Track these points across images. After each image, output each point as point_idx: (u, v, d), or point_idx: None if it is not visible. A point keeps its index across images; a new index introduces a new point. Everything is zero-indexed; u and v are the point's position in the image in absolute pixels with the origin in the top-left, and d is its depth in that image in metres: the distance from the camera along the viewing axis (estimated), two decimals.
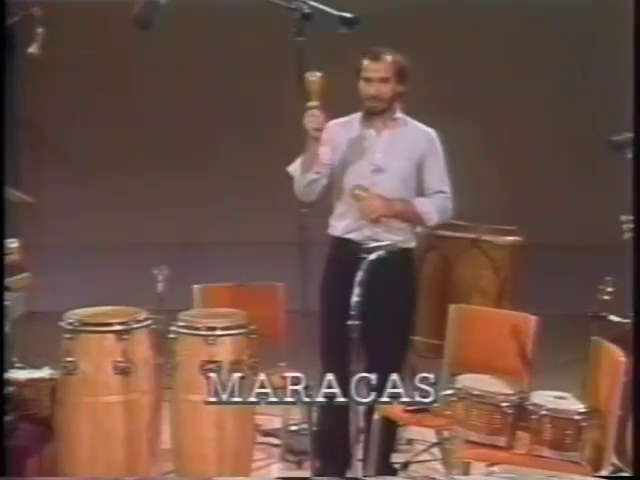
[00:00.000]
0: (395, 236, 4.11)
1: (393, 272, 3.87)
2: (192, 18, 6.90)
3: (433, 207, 4.23)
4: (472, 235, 4.62)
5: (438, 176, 4.26)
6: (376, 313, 3.93)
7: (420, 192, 4.27)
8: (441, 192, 4.25)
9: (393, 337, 4.16)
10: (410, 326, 4.29)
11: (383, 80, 4.16)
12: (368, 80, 4.17)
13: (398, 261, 3.86)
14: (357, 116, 4.31)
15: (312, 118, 4.01)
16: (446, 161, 4.31)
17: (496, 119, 7.61)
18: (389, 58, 4.17)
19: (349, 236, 4.21)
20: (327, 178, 4.24)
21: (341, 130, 4.27)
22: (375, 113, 4.23)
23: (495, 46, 7.53)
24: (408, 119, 4.29)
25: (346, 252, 4.11)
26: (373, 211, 4.14)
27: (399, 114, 4.27)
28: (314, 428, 4.43)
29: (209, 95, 7.71)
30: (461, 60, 7.56)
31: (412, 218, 4.24)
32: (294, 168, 4.23)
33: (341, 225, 4.26)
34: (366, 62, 4.18)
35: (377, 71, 4.16)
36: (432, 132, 4.29)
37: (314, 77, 3.93)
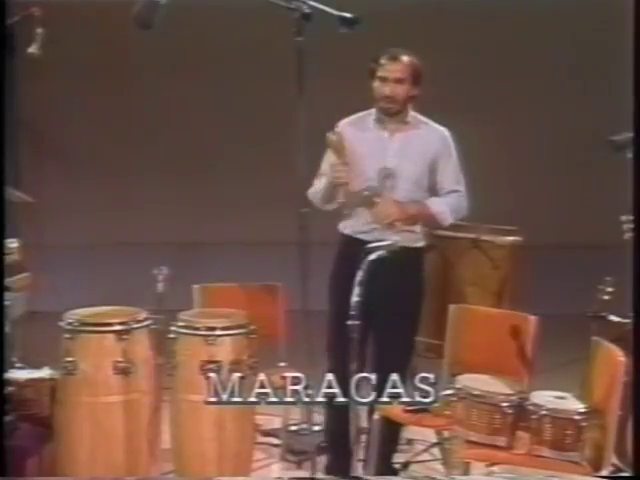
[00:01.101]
0: (405, 236, 4.11)
1: (399, 271, 3.87)
2: (192, 18, 6.90)
3: (447, 207, 4.23)
4: (472, 235, 4.62)
5: (452, 175, 4.26)
6: (383, 313, 3.94)
7: (434, 192, 4.27)
8: (455, 191, 4.26)
9: (400, 337, 4.16)
10: (417, 325, 4.30)
11: (399, 81, 4.16)
12: (384, 80, 4.16)
13: (404, 260, 3.85)
14: (369, 115, 4.30)
15: (339, 174, 4.10)
16: None
17: (496, 119, 7.60)
18: (406, 59, 4.18)
19: (359, 236, 4.21)
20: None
21: (353, 130, 4.28)
22: (388, 114, 4.23)
23: (495, 47, 7.53)
24: (421, 119, 4.28)
25: (355, 251, 4.12)
26: (387, 216, 4.14)
27: (411, 115, 4.27)
28: (320, 427, 4.45)
29: (209, 95, 7.70)
30: (460, 60, 7.54)
31: (426, 220, 4.25)
32: (313, 195, 4.26)
33: (352, 224, 4.27)
34: (383, 62, 4.17)
35: (394, 71, 4.16)
36: (445, 131, 4.29)
37: (333, 135, 4.11)
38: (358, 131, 4.28)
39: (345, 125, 4.29)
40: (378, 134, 4.25)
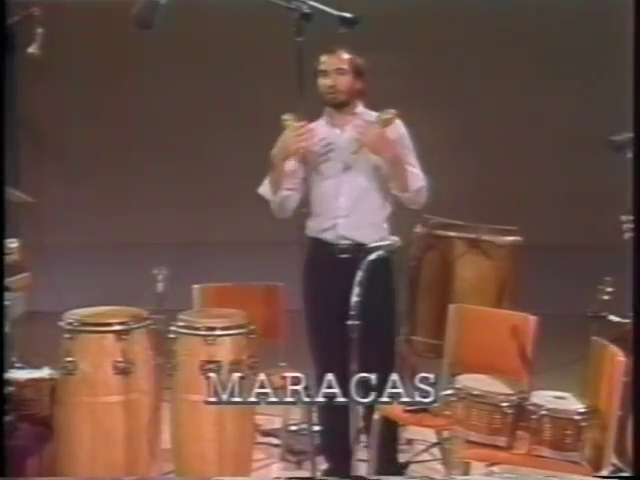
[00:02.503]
0: (371, 235, 4.07)
1: (371, 272, 3.81)
2: (192, 18, 6.90)
3: (420, 176, 4.20)
4: (472, 235, 4.61)
5: (409, 162, 4.23)
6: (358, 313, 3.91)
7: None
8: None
9: (376, 338, 4.12)
10: (394, 325, 4.30)
11: (339, 71, 4.21)
12: (324, 73, 4.22)
13: (378, 261, 3.81)
14: (321, 119, 4.35)
15: (302, 136, 4.09)
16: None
17: (497, 119, 7.61)
18: (344, 54, 4.24)
19: (322, 236, 4.24)
20: (300, 191, 4.29)
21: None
22: (335, 107, 4.26)
23: (496, 46, 7.54)
24: (369, 113, 4.28)
25: (321, 252, 4.18)
26: (370, 142, 4.10)
27: (360, 109, 4.29)
28: (317, 427, 4.45)
29: (209, 95, 7.71)
30: (461, 60, 7.56)
31: (398, 170, 4.17)
32: (264, 190, 4.31)
33: (315, 225, 4.29)
34: (322, 57, 4.24)
35: (332, 63, 4.22)
36: (396, 120, 4.26)
37: (288, 118, 4.10)
38: (314, 134, 4.28)
39: None
40: (330, 132, 4.29)
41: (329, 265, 4.00)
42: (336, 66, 4.21)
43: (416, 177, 4.20)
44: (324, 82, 4.22)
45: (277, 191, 4.26)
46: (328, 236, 4.22)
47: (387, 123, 4.13)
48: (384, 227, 4.27)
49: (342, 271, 3.51)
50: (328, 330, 3.47)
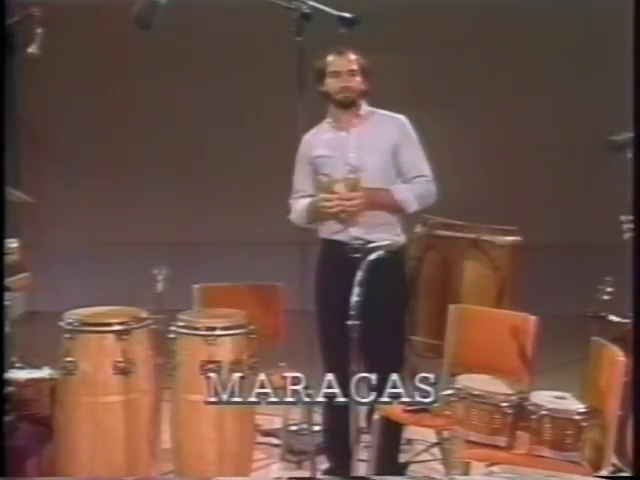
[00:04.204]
0: (384, 234, 4.10)
1: (384, 271, 3.82)
2: (192, 18, 6.91)
3: (412, 194, 4.21)
4: (472, 235, 4.61)
5: (415, 161, 4.25)
6: (368, 313, 3.93)
7: (401, 179, 4.27)
8: (421, 176, 4.25)
9: (387, 337, 4.15)
10: (404, 325, 4.30)
11: (351, 72, 4.20)
12: (336, 74, 4.20)
13: (388, 260, 3.83)
14: (325, 122, 4.35)
15: (331, 206, 4.12)
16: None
17: (497, 119, 7.61)
18: (352, 54, 4.23)
19: (336, 237, 4.24)
20: None
21: (315, 140, 4.31)
22: (343, 107, 4.24)
23: (496, 46, 7.54)
24: (375, 110, 4.29)
25: (335, 253, 4.18)
26: (354, 205, 4.11)
27: (364, 109, 4.28)
28: (317, 427, 4.46)
29: (209, 95, 7.71)
30: (461, 60, 7.57)
31: (393, 207, 4.21)
32: (296, 219, 4.35)
33: (326, 227, 4.29)
34: (331, 58, 4.22)
35: (344, 65, 4.20)
36: (402, 118, 4.28)
37: (324, 178, 4.14)
38: (318, 138, 4.30)
39: (307, 137, 4.35)
40: (336, 135, 4.28)
41: (342, 265, 3.98)
42: (348, 67, 4.18)
43: (408, 204, 4.22)
44: (336, 84, 4.19)
45: (311, 223, 4.33)
46: (341, 237, 4.22)
47: (330, 191, 4.12)
48: (396, 225, 4.28)
49: (354, 271, 3.50)
50: (338, 330, 3.47)
